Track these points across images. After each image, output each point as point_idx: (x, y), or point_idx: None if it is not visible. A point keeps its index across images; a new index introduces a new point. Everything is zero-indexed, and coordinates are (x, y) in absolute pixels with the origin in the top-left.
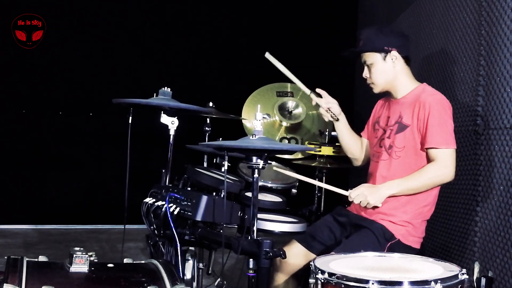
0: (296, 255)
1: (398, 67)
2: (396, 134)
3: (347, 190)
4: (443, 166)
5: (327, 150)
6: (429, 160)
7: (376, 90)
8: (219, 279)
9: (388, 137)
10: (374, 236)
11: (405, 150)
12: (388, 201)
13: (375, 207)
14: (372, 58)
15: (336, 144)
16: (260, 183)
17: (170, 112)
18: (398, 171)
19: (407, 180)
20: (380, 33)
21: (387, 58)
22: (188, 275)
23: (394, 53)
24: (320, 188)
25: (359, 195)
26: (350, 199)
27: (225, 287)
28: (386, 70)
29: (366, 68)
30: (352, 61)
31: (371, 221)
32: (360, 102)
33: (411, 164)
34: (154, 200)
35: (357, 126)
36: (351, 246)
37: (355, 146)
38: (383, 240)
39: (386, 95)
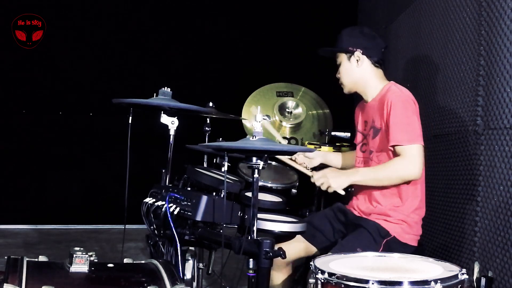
0: (295, 254)
1: (363, 68)
2: (373, 139)
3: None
4: (408, 162)
5: (327, 150)
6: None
7: (344, 90)
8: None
9: (367, 143)
10: (369, 234)
11: (383, 154)
12: (380, 203)
13: (336, 193)
14: (340, 58)
15: (336, 144)
16: (260, 183)
17: (170, 112)
18: None
19: (373, 169)
20: (348, 33)
21: (351, 59)
22: (188, 275)
23: (358, 54)
24: (319, 187)
25: (321, 177)
26: (312, 180)
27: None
28: (351, 70)
29: (339, 69)
30: (329, 60)
31: (366, 220)
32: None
33: None
34: (154, 200)
35: None
36: (347, 246)
37: (352, 163)
38: (378, 238)
39: (360, 99)
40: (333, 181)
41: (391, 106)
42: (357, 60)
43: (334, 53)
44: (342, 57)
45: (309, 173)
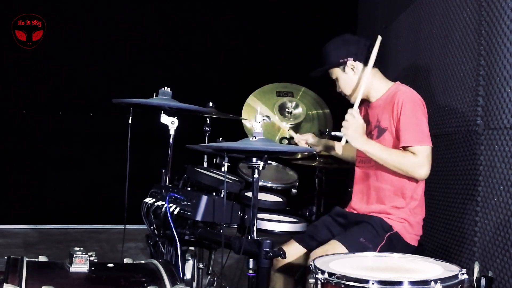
0: (295, 255)
1: (360, 73)
2: (377, 139)
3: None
4: (419, 162)
5: None
6: None
7: (352, 100)
8: (209, 277)
9: None
10: (372, 227)
11: None
12: (384, 202)
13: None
14: (334, 73)
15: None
16: (260, 183)
17: (170, 112)
18: (385, 175)
19: (385, 150)
20: (332, 47)
21: (346, 69)
22: (188, 275)
23: (350, 62)
24: (319, 184)
25: (346, 126)
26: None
27: (216, 284)
28: (349, 80)
29: (337, 83)
30: (323, 79)
31: (369, 216)
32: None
33: None
34: (154, 200)
35: None
36: (351, 235)
37: (353, 155)
38: (381, 231)
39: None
40: (351, 134)
41: (402, 107)
42: (351, 68)
43: (325, 71)
44: (337, 72)
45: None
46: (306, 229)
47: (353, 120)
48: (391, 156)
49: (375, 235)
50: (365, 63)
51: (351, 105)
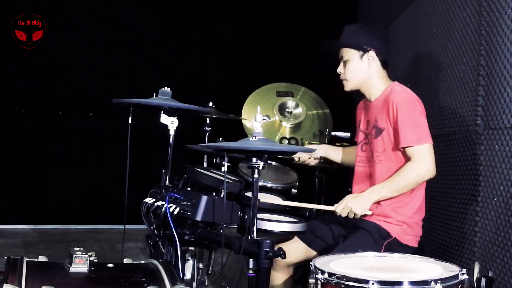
0: (296, 250)
1: (373, 68)
2: (375, 139)
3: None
4: (420, 164)
5: None
6: (407, 159)
7: (347, 87)
8: (199, 277)
9: (369, 142)
10: (370, 236)
11: (386, 154)
12: (381, 204)
13: (364, 215)
14: (349, 54)
15: (336, 144)
16: (260, 183)
17: (170, 112)
18: (383, 175)
19: (388, 183)
20: (362, 31)
21: (364, 57)
22: (188, 275)
23: (372, 54)
24: (319, 184)
25: (344, 208)
26: (337, 214)
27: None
28: (361, 69)
29: (342, 64)
30: (329, 55)
31: (367, 221)
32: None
33: (395, 167)
34: (154, 200)
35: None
36: (348, 247)
37: (352, 159)
38: (379, 239)
39: (361, 96)
40: (356, 207)
41: (397, 107)
42: (369, 59)
43: (341, 47)
44: (353, 54)
45: (331, 208)
46: (307, 224)
47: (345, 207)
48: (398, 182)
49: (373, 243)
50: (382, 62)
51: (351, 106)
